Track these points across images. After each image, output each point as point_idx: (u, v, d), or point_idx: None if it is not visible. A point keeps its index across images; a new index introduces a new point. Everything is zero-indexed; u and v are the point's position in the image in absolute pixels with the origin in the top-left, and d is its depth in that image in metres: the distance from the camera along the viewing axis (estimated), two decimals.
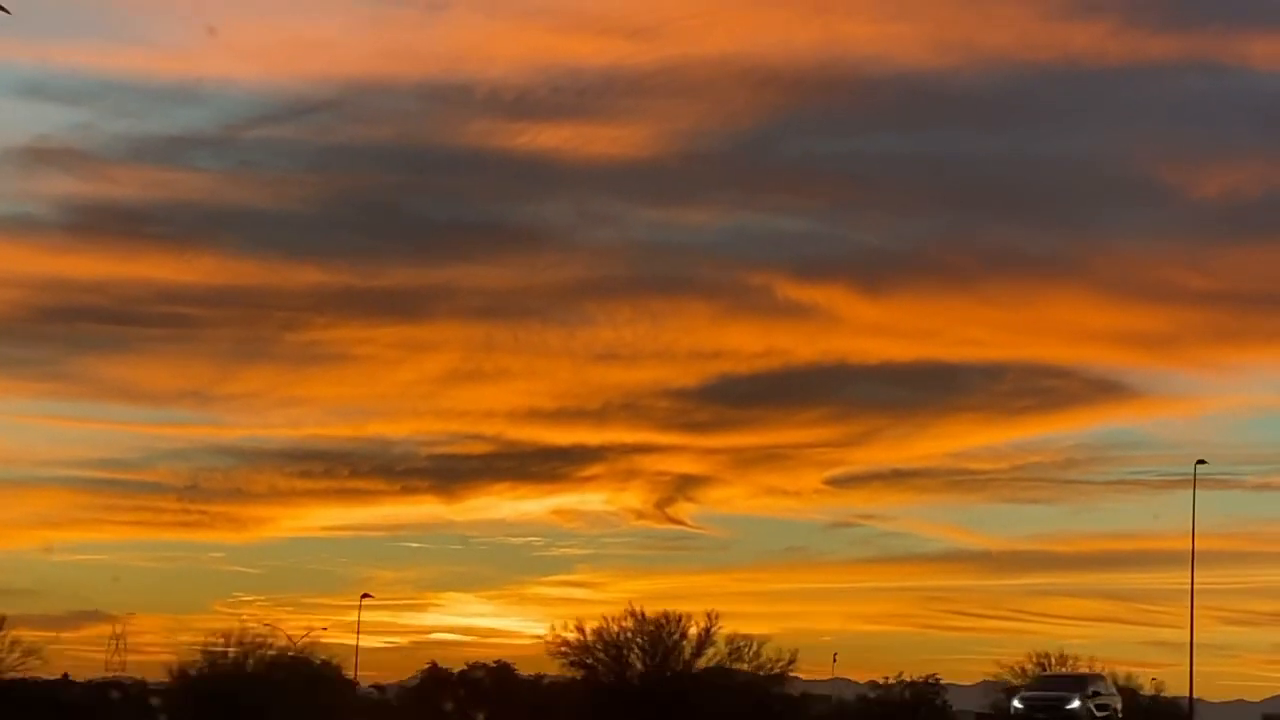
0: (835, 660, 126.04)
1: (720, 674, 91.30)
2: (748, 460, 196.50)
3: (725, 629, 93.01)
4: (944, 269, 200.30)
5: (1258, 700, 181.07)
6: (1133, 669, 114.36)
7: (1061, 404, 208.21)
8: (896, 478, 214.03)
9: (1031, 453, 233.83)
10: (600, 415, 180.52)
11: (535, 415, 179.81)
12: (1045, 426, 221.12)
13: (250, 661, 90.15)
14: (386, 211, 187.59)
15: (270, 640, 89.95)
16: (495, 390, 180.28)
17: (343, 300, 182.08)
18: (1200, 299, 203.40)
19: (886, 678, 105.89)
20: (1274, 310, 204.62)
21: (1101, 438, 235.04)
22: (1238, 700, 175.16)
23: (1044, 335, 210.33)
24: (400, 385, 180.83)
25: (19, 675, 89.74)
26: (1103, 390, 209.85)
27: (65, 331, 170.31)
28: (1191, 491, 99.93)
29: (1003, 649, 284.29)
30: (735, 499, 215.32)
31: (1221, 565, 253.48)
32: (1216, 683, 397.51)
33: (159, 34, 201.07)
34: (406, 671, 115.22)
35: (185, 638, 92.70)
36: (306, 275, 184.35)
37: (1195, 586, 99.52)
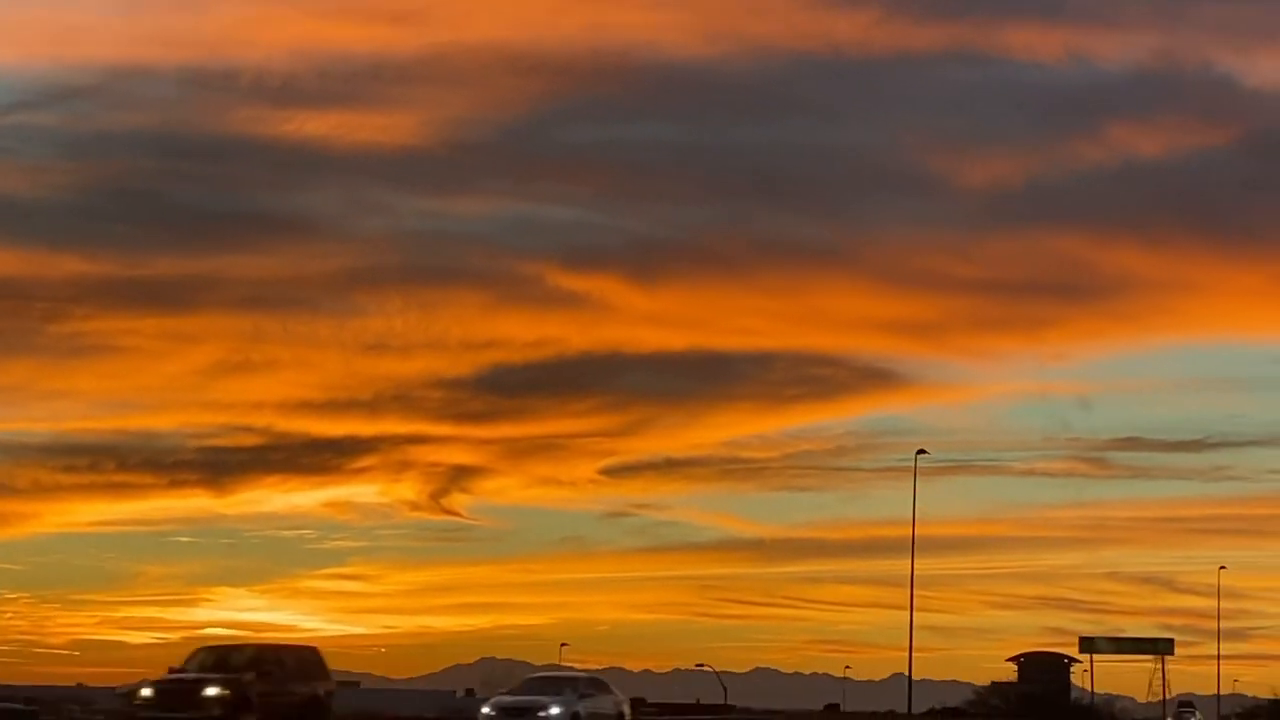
0: None
1: None
2: (522, 451, 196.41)
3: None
4: (715, 258, 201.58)
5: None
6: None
7: (831, 392, 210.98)
8: (670, 467, 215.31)
9: (803, 441, 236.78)
10: (372, 406, 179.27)
11: (305, 407, 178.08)
12: (816, 415, 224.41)
13: None
14: (149, 200, 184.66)
15: None
16: (264, 382, 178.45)
17: (105, 291, 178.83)
18: (966, 287, 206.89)
19: None
20: (1038, 298, 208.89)
21: (871, 425, 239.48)
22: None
23: (814, 324, 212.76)
24: (166, 377, 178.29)
25: None
26: (872, 378, 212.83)
27: None
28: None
29: (776, 636, 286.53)
30: (510, 490, 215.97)
31: (987, 550, 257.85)
32: (981, 665, 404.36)
33: None
34: None
35: None
36: (68, 265, 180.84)
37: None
